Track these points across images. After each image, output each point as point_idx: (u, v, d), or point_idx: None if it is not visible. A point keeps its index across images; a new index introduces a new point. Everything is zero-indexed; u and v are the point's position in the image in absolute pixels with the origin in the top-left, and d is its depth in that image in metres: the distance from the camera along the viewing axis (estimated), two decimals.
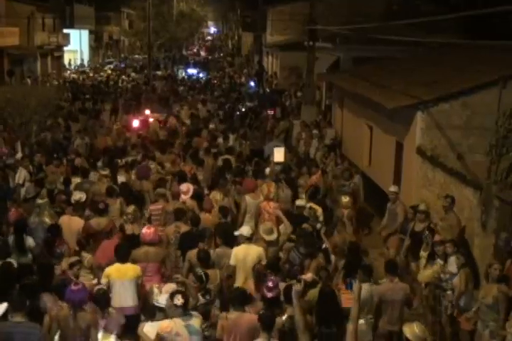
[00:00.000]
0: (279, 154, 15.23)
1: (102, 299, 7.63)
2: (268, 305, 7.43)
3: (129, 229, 10.59)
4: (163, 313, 7.56)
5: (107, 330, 7.36)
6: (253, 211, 11.68)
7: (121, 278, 8.47)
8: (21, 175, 13.71)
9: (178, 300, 7.06)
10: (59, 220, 10.55)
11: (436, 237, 9.66)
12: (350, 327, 6.77)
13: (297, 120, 22.63)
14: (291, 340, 7.08)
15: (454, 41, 17.69)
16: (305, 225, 10.33)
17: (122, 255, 8.73)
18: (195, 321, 7.11)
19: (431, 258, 9.48)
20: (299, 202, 11.84)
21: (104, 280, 8.55)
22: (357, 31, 21.27)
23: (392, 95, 14.37)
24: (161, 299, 7.78)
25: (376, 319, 8.16)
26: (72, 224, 10.34)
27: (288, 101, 30.05)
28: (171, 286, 8.06)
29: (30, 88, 25.91)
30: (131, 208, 10.92)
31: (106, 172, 13.45)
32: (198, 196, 12.00)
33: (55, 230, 9.90)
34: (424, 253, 9.83)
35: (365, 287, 7.88)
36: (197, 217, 10.58)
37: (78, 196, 11.22)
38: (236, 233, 9.68)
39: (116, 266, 8.65)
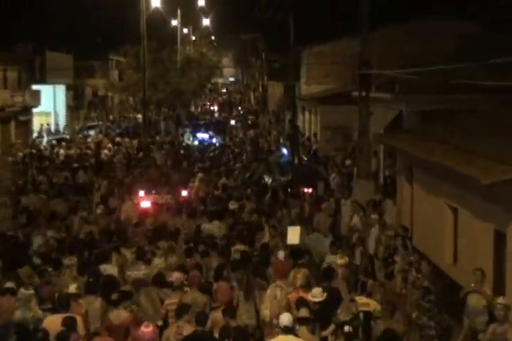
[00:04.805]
0: (293, 235, 16.72)
1: None
2: None
3: None
4: None
5: None
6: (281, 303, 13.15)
7: None
8: None
9: None
10: (44, 320, 11.99)
11: None
12: None
13: (347, 199, 22.27)
14: None
15: None
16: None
17: None
18: None
19: None
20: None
21: None
22: (423, 75, 20.78)
23: (485, 164, 13.99)
24: None
25: None
26: None
27: (333, 174, 29.52)
28: None
29: None
30: None
31: (72, 261, 15.11)
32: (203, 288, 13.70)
33: (70, 323, 11.19)
34: None
35: None
36: (204, 314, 11.88)
37: (72, 287, 13.01)
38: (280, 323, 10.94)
39: None
